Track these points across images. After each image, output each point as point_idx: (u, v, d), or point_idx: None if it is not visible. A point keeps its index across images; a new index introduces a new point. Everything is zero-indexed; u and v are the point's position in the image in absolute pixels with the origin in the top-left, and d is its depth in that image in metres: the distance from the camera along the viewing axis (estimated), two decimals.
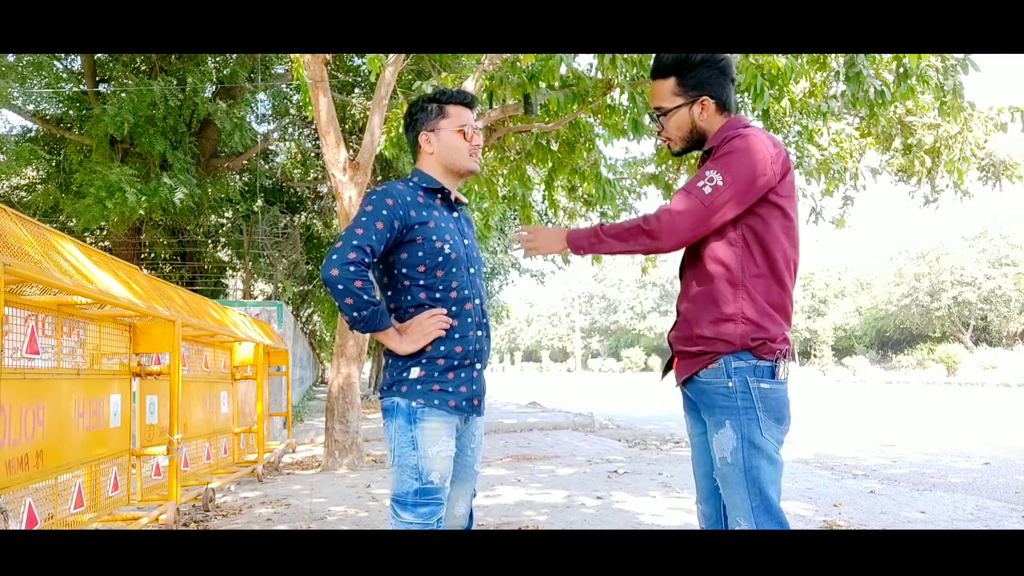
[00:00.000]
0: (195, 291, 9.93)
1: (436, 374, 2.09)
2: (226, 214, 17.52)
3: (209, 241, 17.52)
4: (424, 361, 2.09)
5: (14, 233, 3.06)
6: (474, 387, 2.15)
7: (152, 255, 16.71)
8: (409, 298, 2.12)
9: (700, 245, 2.03)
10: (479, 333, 2.17)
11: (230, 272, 19.18)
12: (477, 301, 2.19)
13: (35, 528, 3.45)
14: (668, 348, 2.18)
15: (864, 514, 4.79)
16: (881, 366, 48.35)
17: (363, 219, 2.05)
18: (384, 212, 2.05)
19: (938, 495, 5.51)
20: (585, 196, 9.55)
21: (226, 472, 6.51)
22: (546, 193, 9.15)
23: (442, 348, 2.10)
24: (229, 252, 18.80)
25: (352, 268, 1.98)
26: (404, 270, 2.11)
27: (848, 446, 9.08)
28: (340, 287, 1.97)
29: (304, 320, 25.76)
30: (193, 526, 4.86)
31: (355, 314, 2.01)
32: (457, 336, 2.12)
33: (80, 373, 4.03)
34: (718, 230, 1.98)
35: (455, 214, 2.25)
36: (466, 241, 2.22)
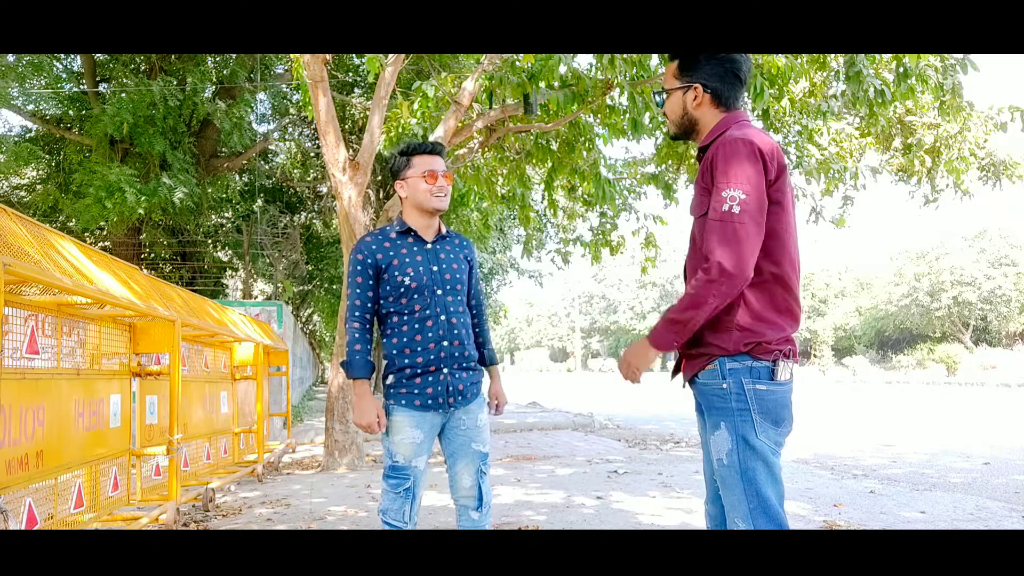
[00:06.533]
0: (195, 291, 9.93)
1: (404, 380, 2.56)
2: (226, 214, 17.52)
3: (209, 241, 17.51)
4: (396, 371, 2.58)
5: (14, 233, 3.06)
6: (439, 388, 2.55)
7: (152, 255, 16.71)
8: (388, 318, 2.63)
9: (702, 250, 2.00)
10: (444, 343, 2.56)
11: (230, 272, 19.17)
12: (443, 317, 2.57)
13: (35, 528, 3.46)
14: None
15: (864, 514, 4.80)
16: (881, 366, 48.31)
17: (349, 280, 2.62)
18: (359, 268, 2.60)
19: (938, 495, 5.51)
20: (585, 196, 9.54)
21: (226, 472, 6.51)
22: (546, 193, 9.15)
23: (406, 360, 2.55)
24: (229, 252, 18.79)
25: (356, 324, 2.58)
26: (382, 300, 2.63)
27: (848, 446, 9.08)
28: (347, 338, 2.59)
29: (304, 320, 25.77)
30: (193, 526, 4.86)
31: (346, 357, 2.58)
32: (420, 349, 2.55)
33: (80, 373, 4.03)
34: None
35: (428, 246, 2.65)
36: (433, 268, 2.61)
